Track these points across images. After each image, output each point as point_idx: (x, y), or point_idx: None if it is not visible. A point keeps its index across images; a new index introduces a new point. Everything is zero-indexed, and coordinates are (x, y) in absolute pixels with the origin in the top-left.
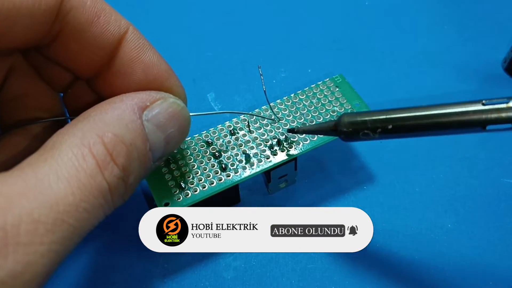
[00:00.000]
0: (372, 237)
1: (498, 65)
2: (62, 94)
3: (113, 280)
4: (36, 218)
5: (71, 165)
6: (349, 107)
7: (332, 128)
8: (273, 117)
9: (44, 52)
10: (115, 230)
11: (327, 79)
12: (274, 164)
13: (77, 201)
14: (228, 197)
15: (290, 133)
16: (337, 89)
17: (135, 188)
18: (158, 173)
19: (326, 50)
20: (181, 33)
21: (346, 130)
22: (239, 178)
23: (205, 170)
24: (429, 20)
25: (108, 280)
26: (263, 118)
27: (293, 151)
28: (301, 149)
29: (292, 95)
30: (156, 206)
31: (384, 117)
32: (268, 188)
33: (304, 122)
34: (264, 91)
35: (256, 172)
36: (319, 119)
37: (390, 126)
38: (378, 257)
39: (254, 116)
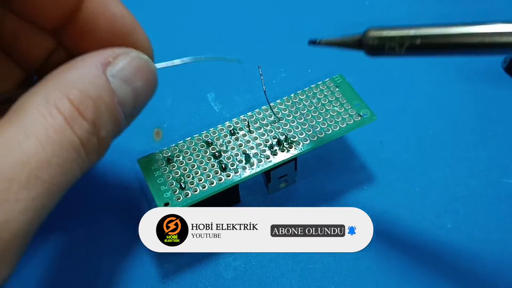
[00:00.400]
0: (372, 237)
1: (498, 65)
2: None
3: (112, 281)
4: (8, 176)
5: (38, 123)
6: (349, 107)
7: (357, 42)
8: (269, 105)
9: (8, 5)
10: (114, 230)
11: (327, 79)
12: (274, 164)
13: (48, 156)
14: (228, 197)
15: (311, 45)
16: (337, 89)
17: (109, 143)
18: (158, 173)
19: (326, 50)
20: (181, 33)
21: (371, 44)
22: (239, 178)
23: (205, 170)
24: (429, 20)
25: (107, 280)
26: (226, 60)
27: (293, 151)
28: (301, 149)
29: (292, 95)
30: (156, 206)
31: (413, 32)
32: (268, 188)
33: (304, 121)
34: (264, 91)
35: (256, 172)
36: (319, 119)
37: (418, 42)
38: (378, 257)
39: (254, 116)
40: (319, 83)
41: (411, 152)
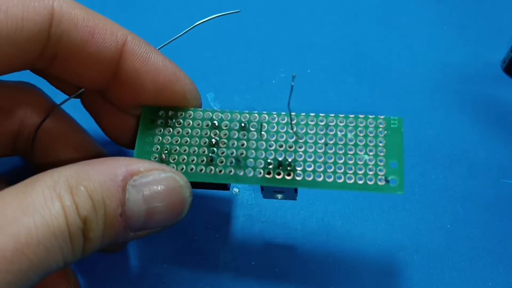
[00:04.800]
0: (372, 237)
1: (497, 65)
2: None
3: (111, 281)
4: None
5: (39, 204)
6: (382, 163)
7: None
8: (294, 130)
9: (44, 72)
10: None
11: (382, 117)
12: (268, 181)
13: (39, 236)
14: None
15: None
16: (385, 132)
17: (95, 246)
18: (151, 132)
19: (326, 50)
20: (182, 30)
21: None
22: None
23: (193, 152)
24: (429, 21)
25: (106, 280)
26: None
27: (290, 179)
28: (298, 182)
29: (322, 115)
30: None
31: None
32: (261, 191)
33: (322, 154)
34: (288, 103)
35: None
36: (340, 160)
37: None
38: (377, 257)
39: (269, 120)
40: (370, 116)
41: (410, 152)
